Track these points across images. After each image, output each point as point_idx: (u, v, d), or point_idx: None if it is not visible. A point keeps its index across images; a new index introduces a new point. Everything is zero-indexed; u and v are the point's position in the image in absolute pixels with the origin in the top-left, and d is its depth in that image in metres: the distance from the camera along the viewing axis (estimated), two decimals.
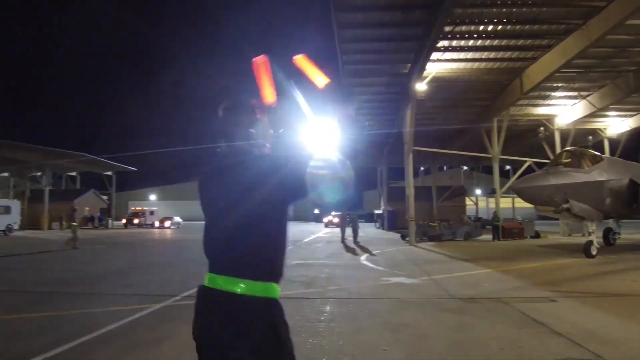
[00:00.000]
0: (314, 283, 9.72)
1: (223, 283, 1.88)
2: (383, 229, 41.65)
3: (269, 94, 2.18)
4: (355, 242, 22.24)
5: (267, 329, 1.85)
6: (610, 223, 18.79)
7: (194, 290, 7.79)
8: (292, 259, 14.84)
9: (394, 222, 39.71)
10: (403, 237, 24.21)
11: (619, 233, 18.98)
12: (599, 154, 15.79)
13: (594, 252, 13.97)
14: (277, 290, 1.94)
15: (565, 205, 13.58)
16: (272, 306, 1.91)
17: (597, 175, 14.43)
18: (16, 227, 35.58)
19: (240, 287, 1.85)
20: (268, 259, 1.93)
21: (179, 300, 7.64)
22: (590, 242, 14.11)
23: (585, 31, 15.72)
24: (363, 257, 15.28)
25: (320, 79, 2.10)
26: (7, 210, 34.85)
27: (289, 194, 1.95)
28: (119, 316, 6.33)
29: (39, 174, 50.58)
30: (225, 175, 2.05)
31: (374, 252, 17.06)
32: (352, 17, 15.85)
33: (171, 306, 7.28)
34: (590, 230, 14.62)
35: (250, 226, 1.90)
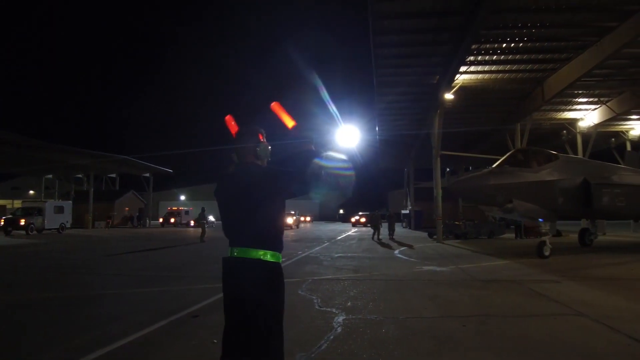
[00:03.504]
0: (360, 270, 11.65)
1: (240, 253, 2.69)
2: (410, 228, 43.06)
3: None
4: (391, 238, 24.58)
5: (273, 284, 2.67)
6: (587, 224, 18.79)
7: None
8: (333, 252, 16.84)
9: (420, 222, 41.21)
10: (430, 235, 25.94)
11: (595, 234, 18.72)
12: (555, 153, 15.64)
13: (546, 253, 13.68)
14: (280, 256, 2.76)
15: (509, 205, 13.26)
16: (276, 268, 2.71)
17: (546, 174, 14.04)
18: (68, 225, 38.37)
19: (252, 254, 2.66)
20: (272, 235, 2.75)
21: None
22: (543, 243, 13.86)
23: (600, 47, 17.15)
24: (396, 251, 17.12)
25: (289, 121, 2.88)
26: (60, 210, 37.64)
27: (282, 193, 2.81)
28: None
29: (80, 175, 53.71)
30: (238, 179, 2.82)
31: (405, 248, 18.88)
32: (388, 39, 17.69)
33: None
34: (543, 231, 14.53)
35: (257, 213, 2.70)
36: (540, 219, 14.38)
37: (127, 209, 56.59)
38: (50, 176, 57.37)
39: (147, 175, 57.36)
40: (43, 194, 58.09)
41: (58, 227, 36.63)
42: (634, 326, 5.58)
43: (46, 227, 35.36)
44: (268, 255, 2.67)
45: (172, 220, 55.07)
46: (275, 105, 2.93)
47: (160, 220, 57.88)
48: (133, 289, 8.87)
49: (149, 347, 4.92)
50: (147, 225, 55.00)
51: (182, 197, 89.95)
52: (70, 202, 42.07)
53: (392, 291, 8.40)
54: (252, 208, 2.70)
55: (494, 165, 14.75)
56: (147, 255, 16.28)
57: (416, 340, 5.07)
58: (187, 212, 57.86)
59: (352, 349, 4.74)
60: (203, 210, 24.54)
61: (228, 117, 3.25)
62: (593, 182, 14.53)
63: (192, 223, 54.63)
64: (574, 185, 14.44)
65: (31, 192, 65.90)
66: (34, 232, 34.10)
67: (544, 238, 14.06)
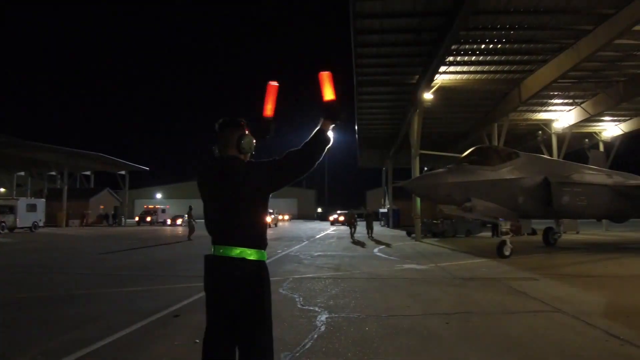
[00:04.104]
0: (340, 268, 11.65)
1: (224, 251, 2.58)
2: (388, 226, 43.25)
3: (269, 109, 2.95)
4: (370, 237, 24.52)
5: (257, 283, 2.58)
6: (552, 223, 18.46)
7: None
8: (313, 251, 16.82)
9: (398, 220, 41.43)
10: (408, 233, 26.12)
11: (559, 233, 18.40)
12: (516, 151, 15.26)
13: (506, 253, 13.34)
14: (265, 254, 2.67)
15: (467, 204, 12.83)
16: (261, 267, 2.62)
17: (506, 173, 13.66)
18: (41, 224, 37.45)
19: (237, 252, 2.55)
20: (255, 232, 2.66)
21: None
22: (503, 242, 13.51)
23: (576, 50, 17.51)
24: (376, 250, 17.20)
25: (329, 94, 2.71)
26: (33, 208, 36.69)
27: (267, 189, 2.69)
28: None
29: (54, 173, 52.48)
30: (220, 173, 2.69)
31: (384, 246, 18.98)
32: (369, 38, 17.90)
33: None
34: (503, 230, 13.97)
35: (242, 210, 2.61)
36: (500, 219, 13.99)
37: (102, 207, 55.55)
38: (23, 173, 55.96)
39: (123, 172, 56.39)
40: (15, 192, 56.56)
41: (31, 225, 35.73)
42: (610, 322, 5.70)
43: (18, 226, 34.42)
44: (252, 253, 2.59)
45: (148, 218, 54.28)
46: (326, 75, 2.75)
47: (136, 218, 57.00)
48: (110, 289, 8.70)
49: (130, 349, 4.81)
50: (123, 224, 54.09)
51: (159, 195, 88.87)
52: (44, 200, 41.01)
53: (373, 289, 8.42)
54: (234, 204, 2.62)
55: (454, 164, 14.39)
56: (124, 254, 16.01)
57: (400, 338, 5.08)
58: (163, 211, 57.11)
59: (336, 348, 4.72)
60: (191, 208, 24.39)
61: (272, 86, 3.04)
62: (553, 181, 14.27)
63: (168, 221, 54.04)
64: (534, 183, 14.15)
65: (2, 189, 64.07)
66: (6, 230, 33.15)
67: (504, 237, 13.70)
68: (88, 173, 61.11)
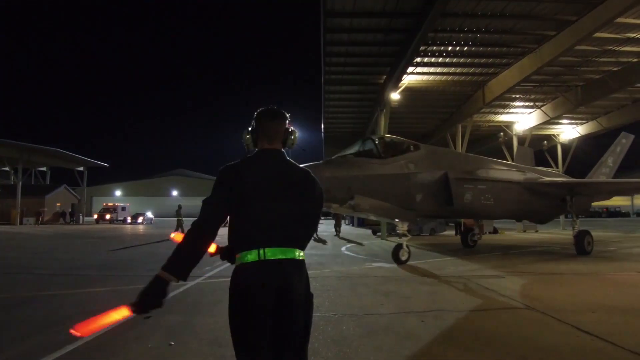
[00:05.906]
0: (310, 267, 11.39)
1: (281, 253, 2.41)
2: (352, 225, 43.43)
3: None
4: (337, 235, 24.67)
5: (307, 277, 2.57)
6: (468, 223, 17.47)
7: (216, 271, 9.51)
8: None
9: (362, 219, 41.62)
10: (374, 232, 26.36)
11: (479, 234, 17.34)
12: (416, 143, 13.32)
13: (403, 258, 11.98)
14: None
15: (351, 202, 10.87)
16: (305, 265, 2.60)
17: (399, 167, 11.77)
18: None
19: (295, 254, 2.45)
20: (309, 237, 2.65)
21: (207, 279, 9.41)
22: (399, 246, 12.12)
23: (538, 54, 18.13)
24: (343, 248, 17.24)
25: None
26: None
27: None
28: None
29: (7, 168, 50.32)
30: (283, 169, 2.58)
31: (351, 245, 19.06)
32: (338, 37, 17.97)
33: (202, 282, 9.02)
34: (400, 232, 12.32)
35: (307, 211, 2.58)
36: (396, 219, 12.29)
37: (59, 204, 53.69)
38: None
39: (81, 169, 54.62)
40: None
41: None
42: (579, 318, 5.85)
43: None
44: (302, 255, 2.51)
45: (108, 216, 52.87)
46: None
47: (95, 216, 55.41)
48: (74, 289, 8.35)
49: (101, 353, 4.60)
50: (81, 222, 52.46)
51: (118, 193, 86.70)
52: None
53: (345, 288, 8.40)
54: (304, 205, 2.53)
55: (337, 155, 12.38)
56: (85, 253, 15.46)
57: (378, 337, 5.07)
58: (123, 209, 55.72)
59: (316, 348, 4.65)
60: (180, 207, 24.81)
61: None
62: (452, 177, 12.60)
63: (129, 219, 52.90)
64: (432, 179, 12.40)
65: None
66: None
67: (401, 240, 12.23)
68: (44, 169, 59.01)
